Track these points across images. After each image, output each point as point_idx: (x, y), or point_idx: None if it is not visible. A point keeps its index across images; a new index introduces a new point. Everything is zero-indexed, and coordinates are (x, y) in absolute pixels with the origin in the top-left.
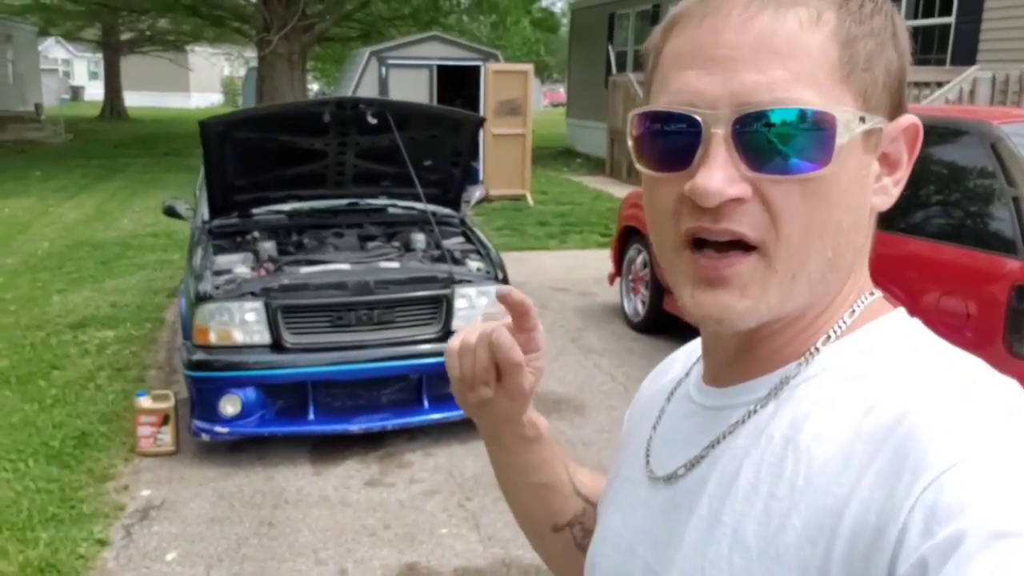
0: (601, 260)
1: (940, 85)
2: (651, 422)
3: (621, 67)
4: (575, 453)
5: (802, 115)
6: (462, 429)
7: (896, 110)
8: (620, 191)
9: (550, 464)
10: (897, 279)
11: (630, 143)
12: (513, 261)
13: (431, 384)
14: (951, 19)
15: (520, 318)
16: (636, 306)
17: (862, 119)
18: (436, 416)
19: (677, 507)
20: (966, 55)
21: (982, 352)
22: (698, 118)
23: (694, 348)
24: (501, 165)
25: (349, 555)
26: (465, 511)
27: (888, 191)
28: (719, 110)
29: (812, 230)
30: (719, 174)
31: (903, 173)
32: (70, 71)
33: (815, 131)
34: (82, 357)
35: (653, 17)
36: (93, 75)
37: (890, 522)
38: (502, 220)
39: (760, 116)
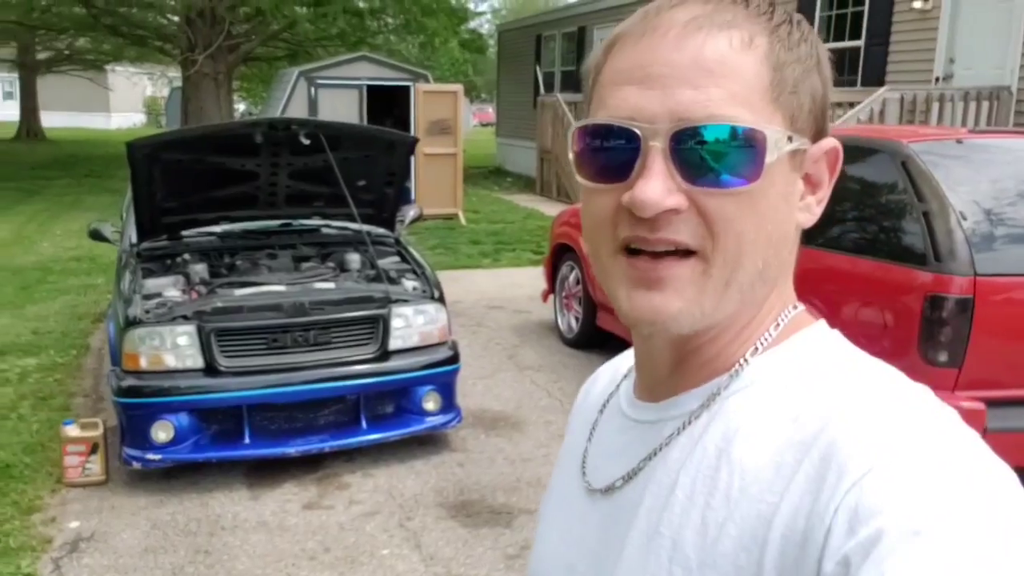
0: (534, 278)
1: (852, 105)
2: (585, 435)
3: (549, 87)
4: (515, 470)
5: (736, 132)
6: (401, 448)
7: (819, 135)
8: (551, 209)
9: None
10: (818, 292)
11: (571, 155)
12: (447, 280)
13: (369, 404)
14: (861, 43)
15: None
16: (570, 322)
17: (789, 138)
18: (374, 436)
19: (615, 520)
20: (875, 76)
21: (899, 360)
22: (637, 131)
23: (619, 363)
24: (433, 185)
25: None
26: (406, 531)
27: (811, 209)
28: (657, 124)
29: (745, 240)
30: (657, 185)
31: (824, 193)
32: None
33: (747, 148)
34: (3, 386)
35: (579, 39)
36: (8, 95)
37: (817, 525)
38: (435, 239)
39: (696, 132)
